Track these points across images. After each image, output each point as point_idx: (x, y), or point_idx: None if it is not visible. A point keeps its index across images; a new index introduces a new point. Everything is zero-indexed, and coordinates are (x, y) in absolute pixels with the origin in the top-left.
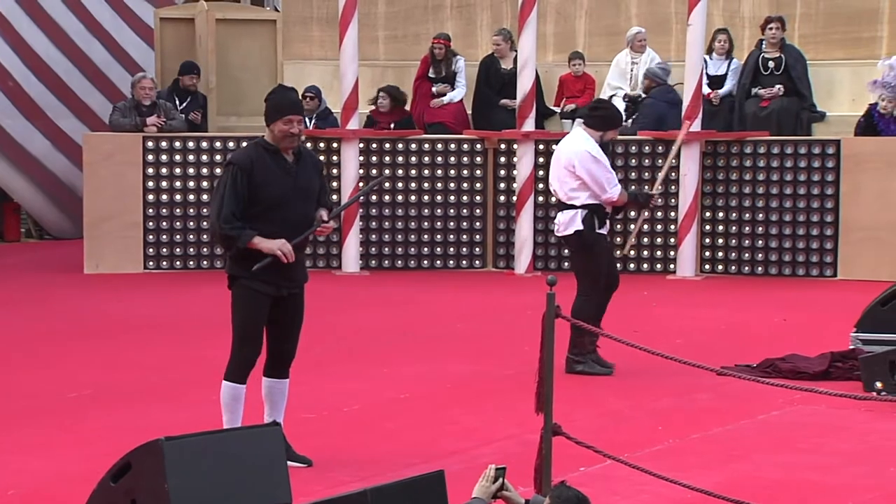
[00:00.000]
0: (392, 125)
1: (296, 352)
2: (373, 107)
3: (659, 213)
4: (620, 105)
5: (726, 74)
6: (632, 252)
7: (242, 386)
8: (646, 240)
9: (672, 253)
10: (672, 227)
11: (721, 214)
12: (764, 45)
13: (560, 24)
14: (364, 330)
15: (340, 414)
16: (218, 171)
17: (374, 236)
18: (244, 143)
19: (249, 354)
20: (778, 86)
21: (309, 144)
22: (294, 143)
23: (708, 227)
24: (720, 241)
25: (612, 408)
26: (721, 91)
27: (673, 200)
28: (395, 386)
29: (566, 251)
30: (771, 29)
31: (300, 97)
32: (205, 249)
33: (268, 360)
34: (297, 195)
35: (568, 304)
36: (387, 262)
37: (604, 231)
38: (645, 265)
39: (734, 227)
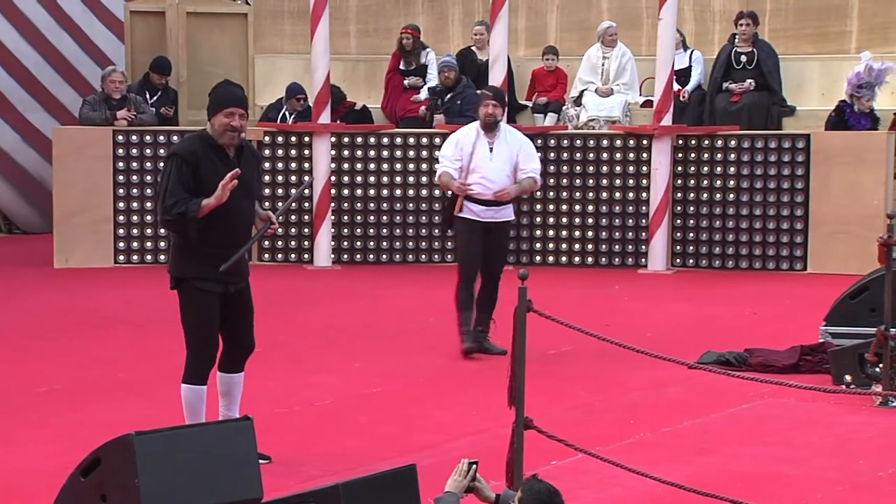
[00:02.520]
0: (338, 121)
1: (254, 344)
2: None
3: (630, 208)
4: (593, 99)
5: (689, 67)
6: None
7: (205, 387)
8: (617, 234)
9: (643, 247)
10: (643, 221)
11: (692, 208)
12: (736, 40)
13: (532, 19)
14: (336, 324)
15: (312, 408)
16: None
17: (346, 230)
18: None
19: (211, 354)
20: (749, 80)
21: (281, 139)
22: (235, 139)
23: (679, 222)
24: (691, 235)
25: (584, 401)
26: (689, 87)
27: (644, 195)
28: (367, 380)
29: (537, 245)
30: (741, 25)
31: (294, 96)
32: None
33: (224, 356)
34: (239, 193)
35: (540, 298)
36: (359, 256)
37: (467, 215)
38: (616, 259)
39: (705, 222)
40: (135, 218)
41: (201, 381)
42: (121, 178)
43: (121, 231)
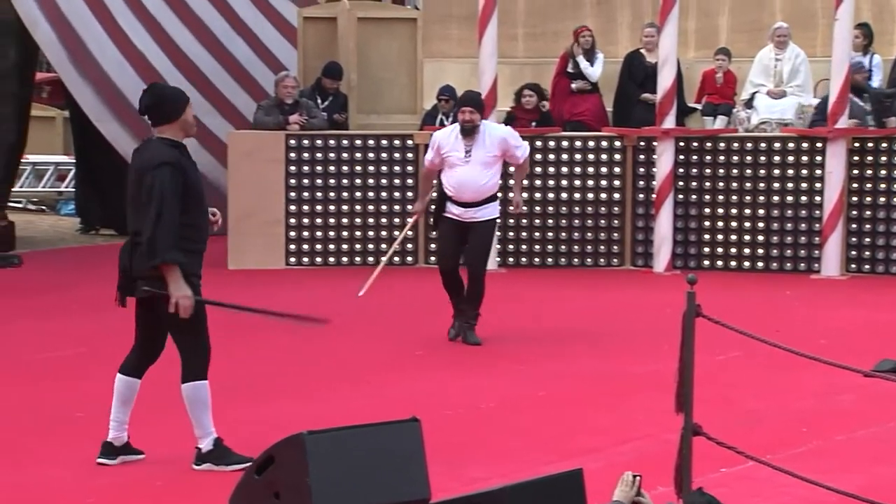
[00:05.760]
0: (533, 123)
1: None
2: (513, 104)
3: (802, 212)
4: (765, 101)
5: (870, 71)
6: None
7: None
8: (789, 238)
9: (816, 252)
10: (816, 225)
11: (868, 212)
12: None
13: (702, 20)
14: (500, 327)
15: (477, 410)
16: (359, 168)
17: (511, 234)
18: (383, 141)
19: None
20: None
21: None
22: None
23: (854, 226)
24: (867, 239)
25: (754, 408)
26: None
27: (817, 198)
28: (531, 383)
29: (706, 249)
30: None
31: (439, 97)
32: (344, 245)
33: (141, 359)
34: (205, 186)
35: (709, 303)
36: (524, 259)
37: (448, 215)
38: (788, 264)
39: (882, 226)
40: (305, 220)
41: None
42: (292, 181)
43: (292, 233)
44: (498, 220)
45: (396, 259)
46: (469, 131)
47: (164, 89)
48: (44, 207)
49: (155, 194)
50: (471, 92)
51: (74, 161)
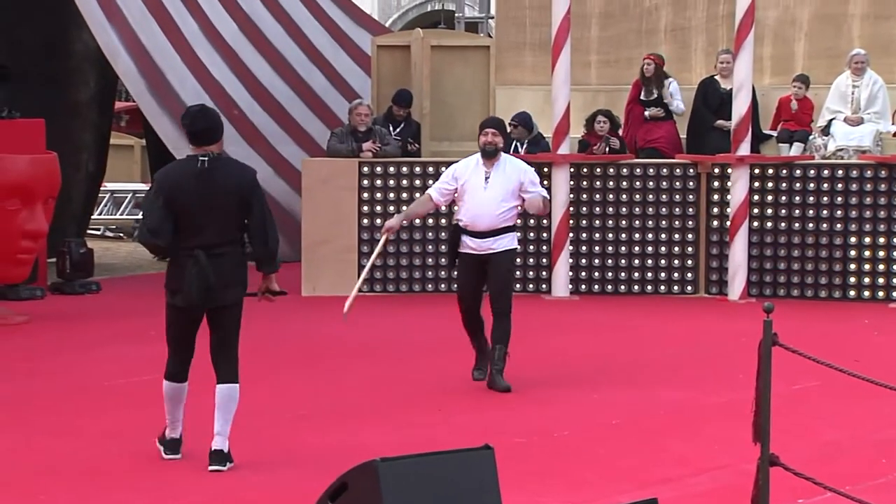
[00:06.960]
0: (606, 149)
1: None
2: (584, 130)
3: (881, 239)
4: (842, 128)
5: None
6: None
7: None
8: (866, 266)
9: (894, 280)
10: (895, 252)
11: None
12: None
13: (778, 47)
14: (574, 355)
15: (551, 439)
16: None
17: (584, 261)
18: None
19: None
20: None
21: None
22: None
23: None
24: None
25: (832, 438)
26: None
27: (894, 227)
28: (605, 411)
29: (781, 277)
30: None
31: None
32: (416, 273)
33: (186, 363)
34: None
35: (785, 331)
36: (597, 286)
37: (464, 250)
38: (865, 292)
39: None
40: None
41: None
42: (365, 208)
43: (364, 260)
44: (518, 249)
45: None
46: (491, 154)
47: (214, 112)
48: (122, 235)
49: (268, 209)
50: (494, 116)
51: None
